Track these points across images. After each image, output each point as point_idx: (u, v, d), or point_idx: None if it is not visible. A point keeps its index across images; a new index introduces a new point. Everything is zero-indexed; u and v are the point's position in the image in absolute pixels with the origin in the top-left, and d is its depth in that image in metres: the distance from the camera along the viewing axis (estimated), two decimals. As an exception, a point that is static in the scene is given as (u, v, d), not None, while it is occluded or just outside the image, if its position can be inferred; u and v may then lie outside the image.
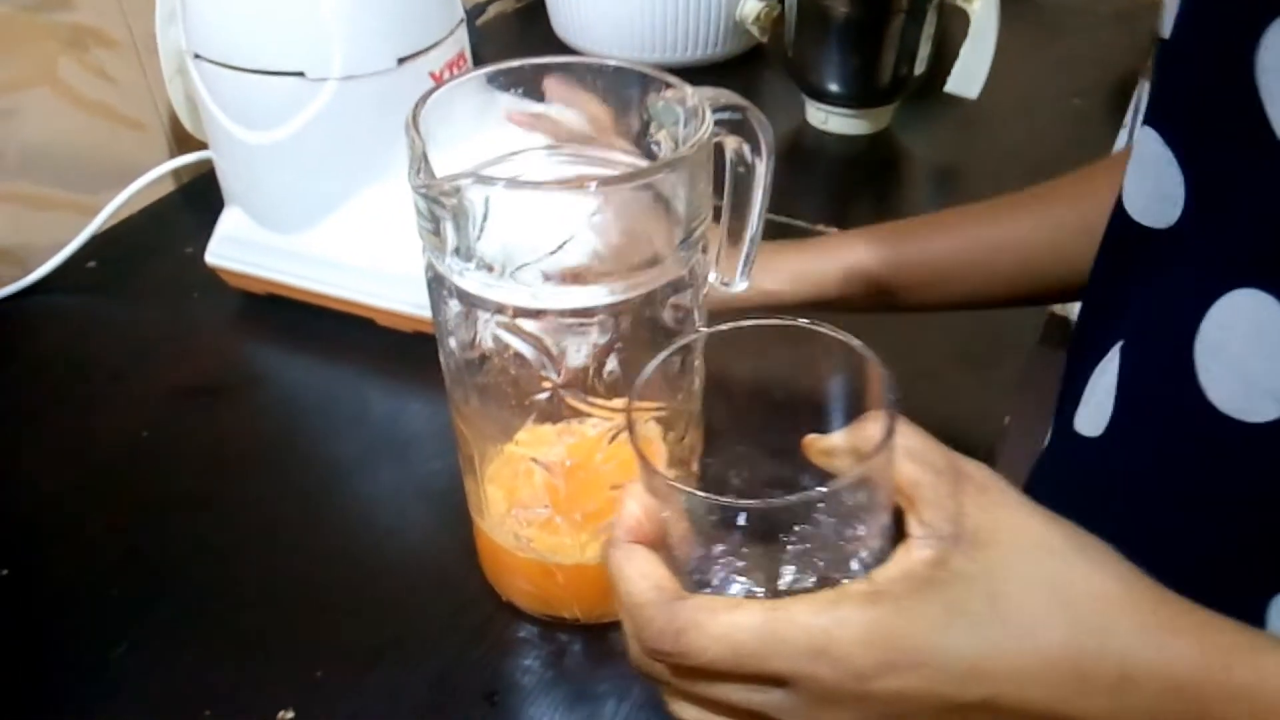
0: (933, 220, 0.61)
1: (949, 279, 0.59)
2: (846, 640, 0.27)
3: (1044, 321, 0.70)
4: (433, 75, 0.65)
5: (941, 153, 0.94)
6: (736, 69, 1.03)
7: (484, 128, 0.41)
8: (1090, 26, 1.11)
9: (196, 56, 0.62)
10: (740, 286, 0.43)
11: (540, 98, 0.41)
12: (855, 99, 0.90)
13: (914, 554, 0.28)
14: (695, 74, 0.81)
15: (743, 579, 0.29)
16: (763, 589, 0.30)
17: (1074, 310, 0.81)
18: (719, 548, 0.30)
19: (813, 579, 0.29)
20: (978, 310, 0.61)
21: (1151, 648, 0.27)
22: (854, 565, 0.29)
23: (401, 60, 0.62)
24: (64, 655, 0.48)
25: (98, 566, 0.52)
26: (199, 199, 0.79)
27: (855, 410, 0.31)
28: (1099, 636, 0.27)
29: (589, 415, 0.40)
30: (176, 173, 0.81)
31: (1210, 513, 0.38)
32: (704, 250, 0.40)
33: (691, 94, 0.38)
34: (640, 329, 0.38)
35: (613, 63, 0.40)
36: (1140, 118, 1.02)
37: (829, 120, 0.92)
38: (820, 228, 0.78)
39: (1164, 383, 0.38)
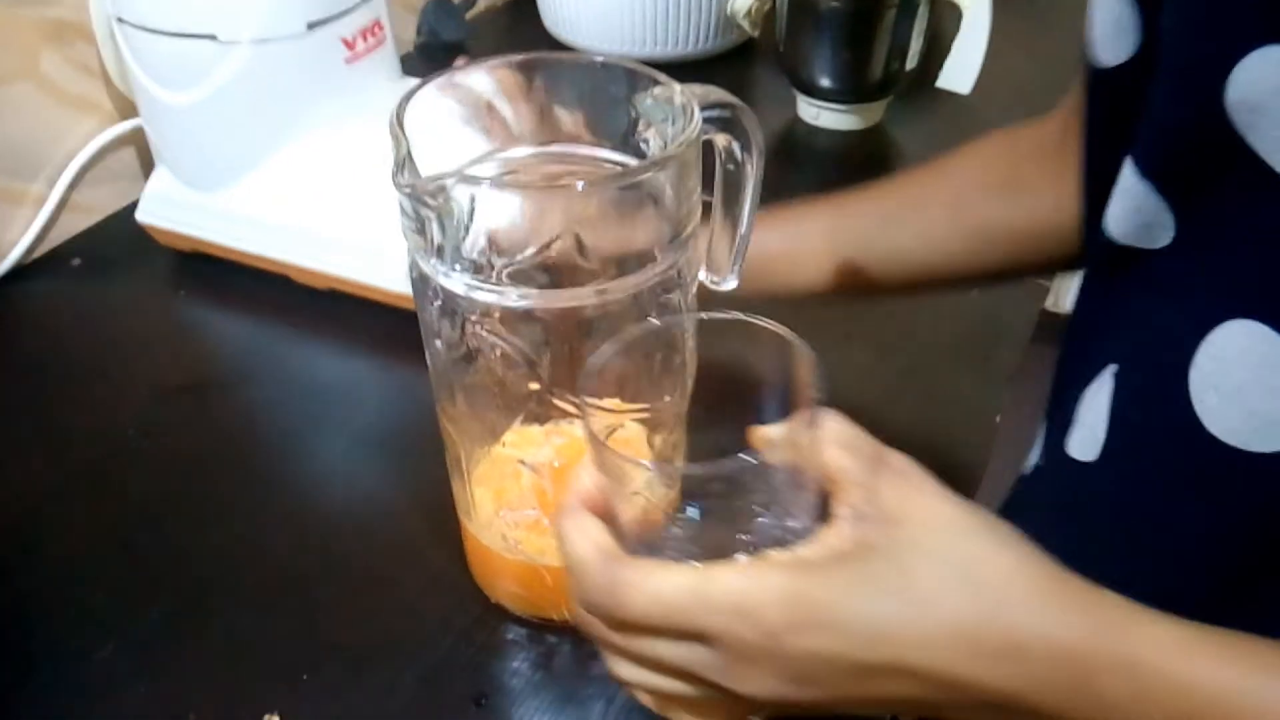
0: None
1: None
2: (765, 601, 0.29)
3: (1037, 317, 0.69)
4: (345, 41, 0.67)
5: (934, 148, 0.92)
6: (727, 64, 1.03)
7: (467, 125, 0.40)
8: (1082, 21, 1.10)
9: (120, 20, 0.65)
10: (730, 285, 0.43)
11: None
12: (847, 94, 0.89)
13: (836, 531, 0.31)
14: (686, 69, 0.81)
15: (689, 559, 0.31)
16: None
17: (1066, 306, 0.81)
18: (668, 530, 0.32)
19: (752, 555, 0.31)
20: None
21: (1042, 619, 0.29)
22: (790, 544, 0.32)
23: (312, 25, 0.65)
24: (48, 658, 0.48)
25: (83, 568, 0.52)
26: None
27: (793, 400, 0.32)
28: (995, 608, 0.29)
29: (576, 416, 0.40)
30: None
31: (1204, 545, 0.38)
32: (693, 248, 0.39)
33: (680, 91, 0.38)
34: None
35: (600, 59, 0.40)
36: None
37: (820, 116, 0.92)
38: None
39: (1159, 413, 0.38)
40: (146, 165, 0.79)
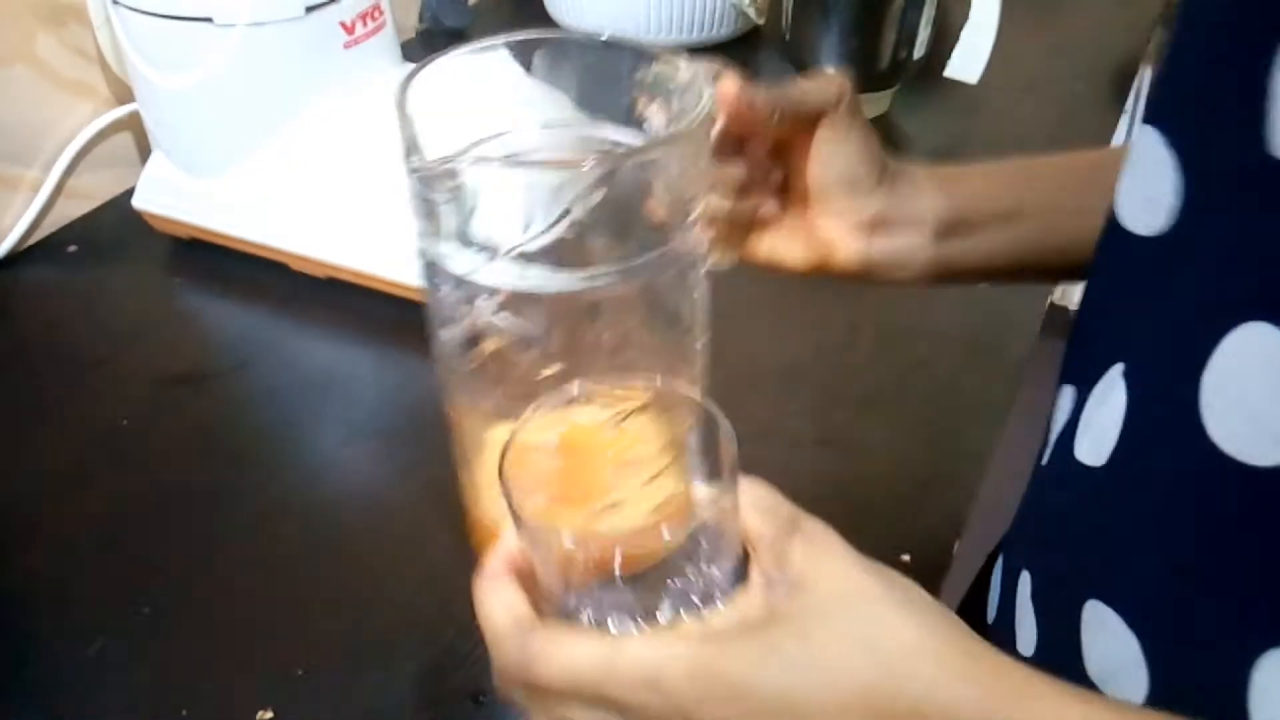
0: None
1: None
2: (674, 674, 0.30)
3: (1045, 311, 0.68)
4: (343, 25, 0.66)
5: (941, 137, 0.92)
6: (732, 52, 1.01)
7: (472, 105, 0.39)
8: (1092, 10, 1.10)
9: (116, 2, 0.64)
10: (728, 263, 0.42)
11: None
12: (853, 83, 0.88)
13: (747, 597, 0.32)
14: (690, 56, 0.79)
15: (615, 614, 0.32)
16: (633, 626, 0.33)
17: (1074, 300, 0.79)
18: (593, 587, 0.32)
19: (672, 617, 0.32)
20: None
21: (942, 691, 0.29)
22: (714, 598, 0.32)
23: (310, 8, 0.64)
24: (39, 651, 0.47)
25: (76, 560, 0.51)
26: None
27: (713, 465, 0.33)
28: (898, 681, 0.29)
29: (588, 400, 0.39)
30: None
31: (1205, 561, 0.36)
32: (704, 228, 0.38)
33: (685, 66, 0.36)
34: (641, 309, 0.37)
35: (603, 37, 0.39)
36: (1141, 103, 1.00)
37: (827, 104, 0.91)
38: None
39: (1166, 419, 0.37)
40: (144, 151, 0.78)
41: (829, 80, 0.39)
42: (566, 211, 0.34)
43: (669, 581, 0.32)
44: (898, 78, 0.89)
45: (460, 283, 0.36)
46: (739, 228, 0.46)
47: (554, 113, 0.40)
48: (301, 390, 0.62)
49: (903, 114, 0.92)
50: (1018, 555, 0.46)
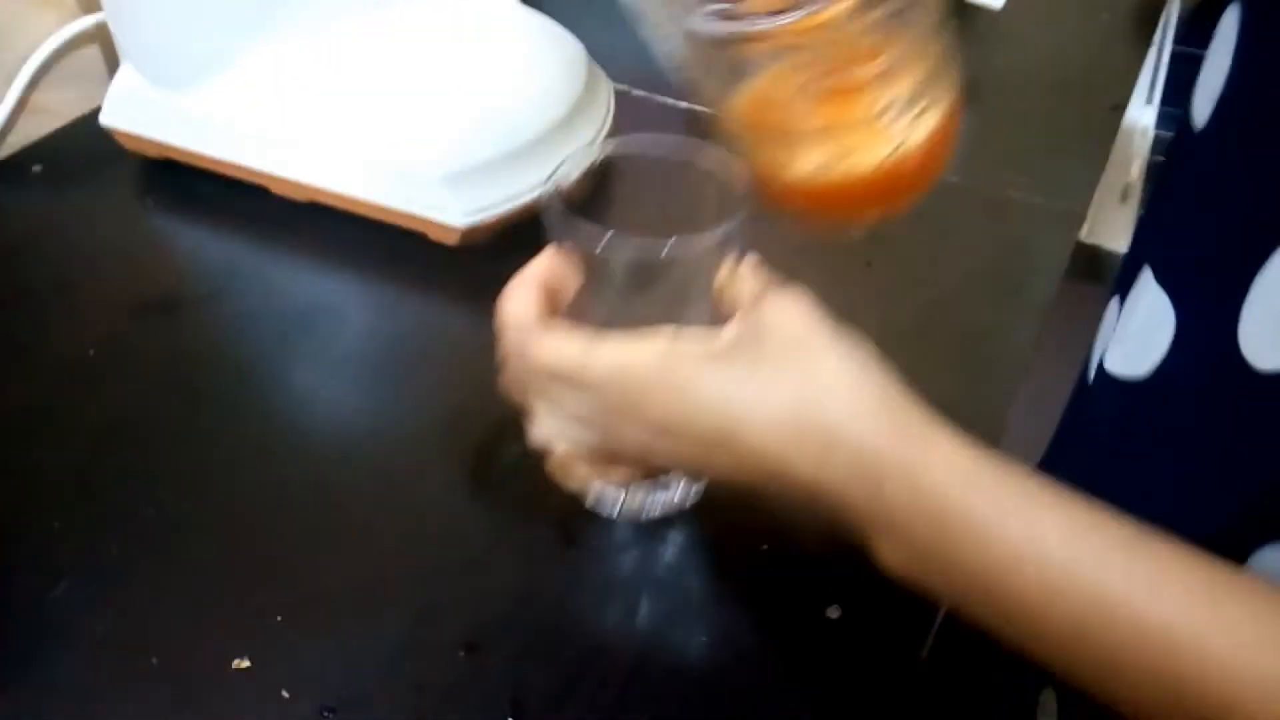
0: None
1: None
2: (635, 364, 0.36)
3: (1072, 248, 0.65)
4: None
5: (962, 66, 0.87)
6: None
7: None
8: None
9: None
10: None
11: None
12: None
13: (720, 331, 0.37)
14: None
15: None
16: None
17: (1104, 240, 0.76)
18: (606, 304, 0.40)
19: None
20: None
21: (854, 420, 0.33)
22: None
23: None
24: (-4, 594, 0.43)
25: (38, 497, 0.48)
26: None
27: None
28: (819, 405, 0.34)
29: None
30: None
31: (1235, 478, 0.35)
32: None
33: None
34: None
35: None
36: (1170, 34, 0.96)
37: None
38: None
39: (1207, 337, 0.37)
40: (113, 65, 0.73)
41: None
42: None
43: (669, 303, 0.39)
44: (916, 2, 0.84)
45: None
46: None
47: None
48: (282, 321, 0.58)
49: (920, 41, 0.87)
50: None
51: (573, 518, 0.46)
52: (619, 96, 0.70)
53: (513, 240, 0.62)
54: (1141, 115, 0.85)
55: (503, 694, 0.40)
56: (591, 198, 0.41)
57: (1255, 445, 0.34)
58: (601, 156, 0.42)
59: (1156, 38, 0.91)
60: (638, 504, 0.45)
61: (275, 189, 0.64)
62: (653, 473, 0.41)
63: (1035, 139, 0.74)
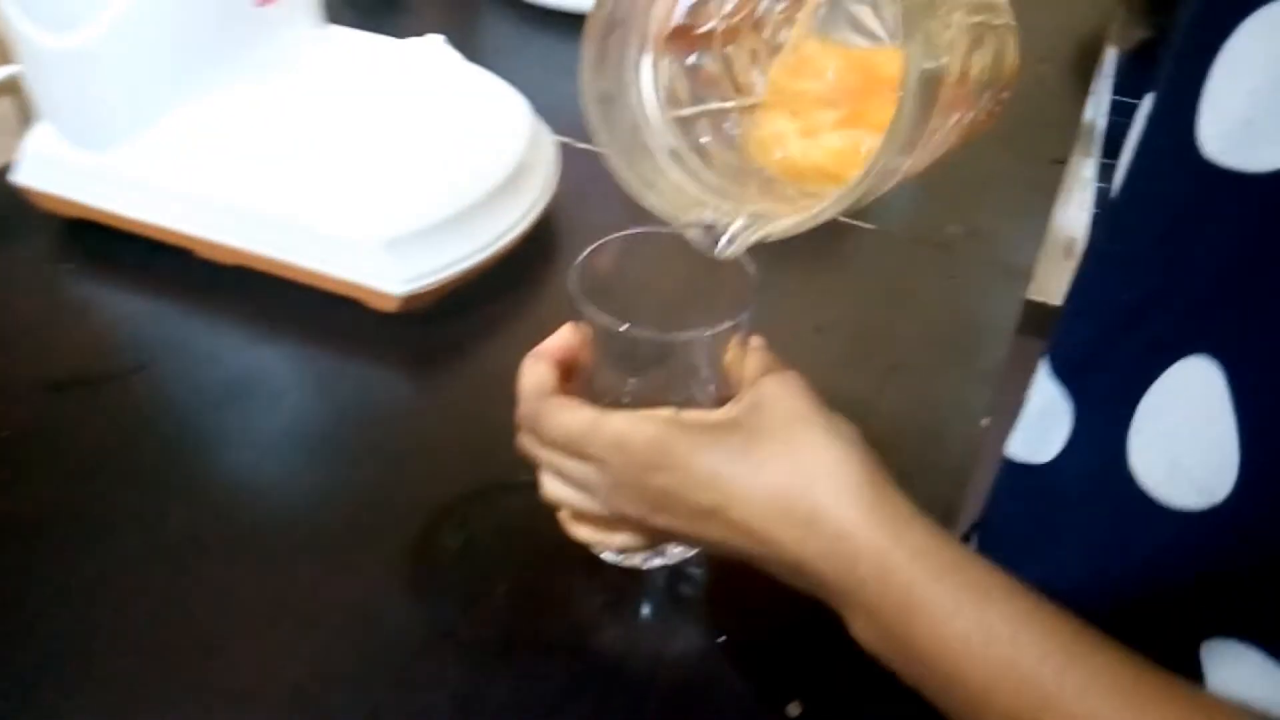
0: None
1: None
2: (637, 441, 0.38)
3: (1022, 308, 0.65)
4: None
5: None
6: None
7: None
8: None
9: None
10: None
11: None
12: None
13: (721, 410, 0.40)
14: None
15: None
16: None
17: (1051, 297, 0.76)
18: (620, 377, 0.42)
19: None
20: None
21: (836, 502, 0.36)
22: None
23: None
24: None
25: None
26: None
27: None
28: (806, 485, 0.36)
29: None
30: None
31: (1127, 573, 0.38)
32: None
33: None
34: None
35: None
36: (1107, 84, 0.97)
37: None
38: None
39: (1096, 440, 0.40)
40: (27, 120, 0.70)
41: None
42: None
43: (677, 387, 0.42)
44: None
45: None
46: None
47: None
48: (211, 394, 0.55)
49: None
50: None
51: (514, 618, 0.45)
52: (565, 150, 0.68)
53: (454, 303, 0.60)
54: (1082, 168, 0.85)
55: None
56: (612, 272, 0.43)
57: (1142, 564, 0.36)
58: (624, 235, 0.44)
59: (1094, 86, 0.92)
60: (638, 560, 0.47)
61: (200, 251, 0.61)
62: (651, 538, 0.43)
63: (981, 194, 0.74)
